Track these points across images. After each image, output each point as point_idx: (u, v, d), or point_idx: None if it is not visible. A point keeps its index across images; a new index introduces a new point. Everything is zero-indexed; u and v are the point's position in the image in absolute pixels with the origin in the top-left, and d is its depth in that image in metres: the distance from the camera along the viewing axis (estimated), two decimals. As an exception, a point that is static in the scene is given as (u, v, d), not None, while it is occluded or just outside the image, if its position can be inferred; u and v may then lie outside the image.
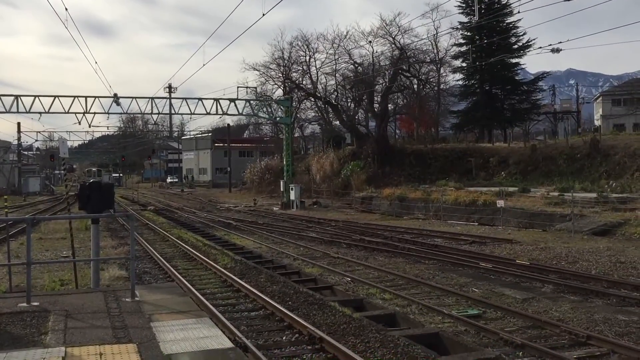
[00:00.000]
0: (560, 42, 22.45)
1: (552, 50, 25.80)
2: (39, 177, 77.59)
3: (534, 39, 73.64)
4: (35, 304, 7.26)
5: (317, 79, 54.23)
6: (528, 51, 55.35)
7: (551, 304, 11.06)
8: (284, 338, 8.93)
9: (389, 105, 52.69)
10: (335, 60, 52.54)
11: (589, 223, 21.92)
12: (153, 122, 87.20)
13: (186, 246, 19.20)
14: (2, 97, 35.05)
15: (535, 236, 21.31)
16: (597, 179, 32.04)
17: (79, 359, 5.23)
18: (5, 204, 16.07)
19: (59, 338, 5.86)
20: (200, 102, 39.66)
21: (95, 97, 36.57)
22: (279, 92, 53.67)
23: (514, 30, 55.15)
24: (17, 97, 35.23)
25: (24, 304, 7.21)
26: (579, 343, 8.65)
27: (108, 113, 38.43)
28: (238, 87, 40.32)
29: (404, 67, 49.83)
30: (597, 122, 62.89)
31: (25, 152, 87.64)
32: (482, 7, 49.04)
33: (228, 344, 5.81)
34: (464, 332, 9.28)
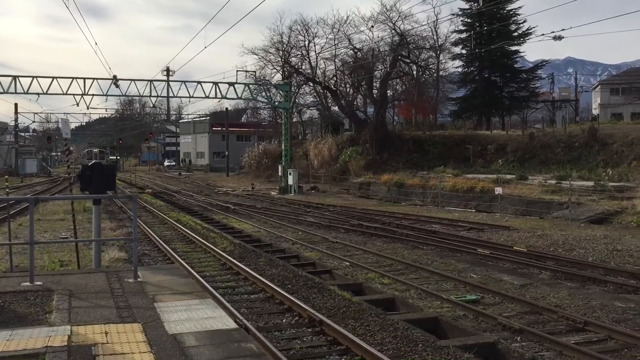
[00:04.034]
0: (563, 30, 22.32)
1: (555, 38, 25.70)
2: (36, 158, 77.38)
3: (534, 27, 73.26)
4: (39, 283, 7.30)
5: (317, 64, 53.98)
6: (528, 39, 55.11)
7: (549, 290, 11.16)
8: (284, 321, 9.00)
9: (388, 91, 52.53)
10: (334, 45, 52.25)
11: (586, 211, 22.03)
12: (151, 105, 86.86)
13: (185, 229, 19.25)
14: (0, 78, 34.84)
15: (533, 223, 21.42)
16: (595, 168, 32.12)
17: (84, 337, 5.27)
18: (6, 183, 16.03)
19: (63, 317, 5.90)
20: (199, 85, 39.49)
21: (94, 78, 36.46)
22: (278, 77, 53.43)
23: (515, 18, 54.89)
24: (15, 77, 35.00)
25: (27, 283, 7.25)
26: (577, 329, 8.76)
27: (106, 95, 38.25)
28: (237, 71, 40.20)
29: (404, 53, 49.58)
30: (595, 111, 62.92)
31: (22, 134, 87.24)
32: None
33: (232, 324, 5.87)
34: (463, 317, 9.37)
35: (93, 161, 9.99)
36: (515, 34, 55.16)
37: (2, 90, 34.86)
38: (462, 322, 8.92)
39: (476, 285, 11.45)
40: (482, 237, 18.09)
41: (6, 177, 18.54)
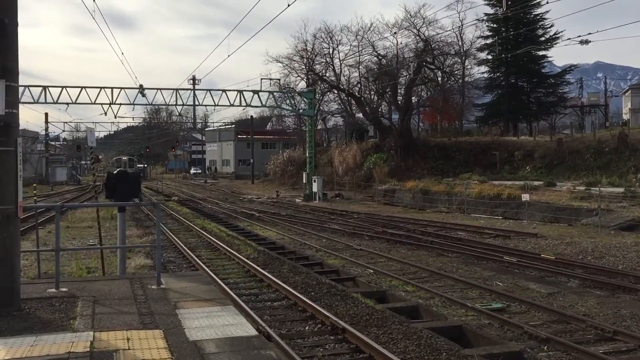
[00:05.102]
0: (590, 34, 21.94)
1: (581, 42, 25.29)
2: (66, 167, 78.83)
3: (561, 31, 72.43)
4: (64, 289, 7.39)
5: (341, 71, 54.08)
6: (555, 43, 54.59)
7: (577, 299, 10.93)
8: (307, 328, 8.97)
9: (413, 97, 52.33)
10: (358, 52, 52.30)
11: (616, 218, 21.56)
12: (177, 114, 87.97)
13: (210, 236, 19.37)
14: (30, 88, 35.66)
15: (561, 231, 21.04)
16: (625, 174, 31.47)
17: (107, 344, 5.31)
18: (35, 191, 16.34)
19: (87, 323, 5.96)
20: (223, 93, 39.84)
21: (121, 88, 36.99)
22: (302, 84, 53.63)
23: (541, 22, 54.34)
24: (45, 87, 35.78)
25: (53, 290, 7.34)
26: (606, 338, 8.55)
27: (133, 104, 38.78)
28: (261, 79, 40.63)
29: (428, 60, 49.39)
30: (626, 116, 61.67)
31: (53, 143, 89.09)
32: (509, -2, 48.33)
33: (253, 331, 5.86)
34: (488, 326, 9.23)
35: (118, 169, 10.13)
36: (542, 38, 54.58)
37: (33, 101, 35.64)
38: (487, 331, 8.78)
39: (502, 293, 11.27)
40: (508, 245, 17.83)
41: (34, 185, 18.91)
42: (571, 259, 14.89)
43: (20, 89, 36.43)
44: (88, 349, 5.12)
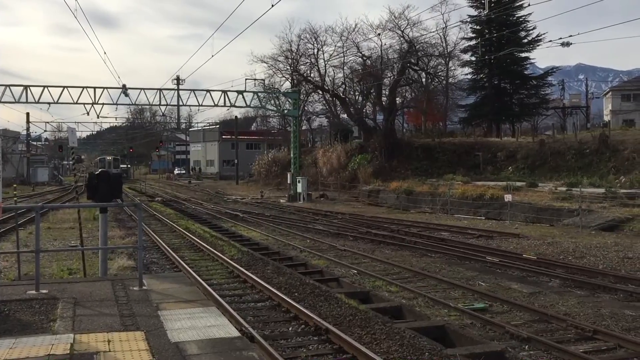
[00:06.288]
0: (571, 36, 22.13)
1: (563, 44, 25.55)
2: (48, 167, 77.98)
3: (544, 33, 72.96)
4: (44, 291, 7.31)
5: (325, 71, 54.07)
6: (538, 45, 55.01)
7: (558, 299, 11.05)
8: (290, 329, 8.96)
9: (397, 98, 52.49)
10: (343, 53, 52.34)
11: (597, 218, 21.83)
12: (161, 114, 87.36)
13: (193, 237, 19.27)
14: (11, 87, 35.19)
15: (543, 231, 21.25)
16: (606, 175, 31.85)
17: (87, 346, 5.27)
18: (15, 192, 16.13)
19: (67, 325, 5.90)
20: (208, 93, 39.68)
21: (103, 87, 36.67)
22: (287, 85, 53.59)
23: (524, 24, 54.78)
24: (26, 87, 35.33)
25: (33, 292, 7.27)
26: (586, 337, 8.65)
27: (116, 104, 38.47)
28: (246, 79, 40.69)
29: (413, 61, 49.57)
30: (607, 118, 62.47)
31: (34, 143, 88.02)
32: (492, 0, 48.70)
33: (235, 333, 5.84)
34: (470, 325, 9.28)
35: (99, 170, 10.04)
36: (525, 40, 55.03)
37: (14, 100, 35.18)
38: (469, 331, 8.84)
39: (484, 293, 11.35)
40: (491, 245, 17.97)
41: (14, 185, 18.68)
42: (552, 259, 15.04)
43: (1, 89, 35.97)
44: (68, 351, 5.07)
